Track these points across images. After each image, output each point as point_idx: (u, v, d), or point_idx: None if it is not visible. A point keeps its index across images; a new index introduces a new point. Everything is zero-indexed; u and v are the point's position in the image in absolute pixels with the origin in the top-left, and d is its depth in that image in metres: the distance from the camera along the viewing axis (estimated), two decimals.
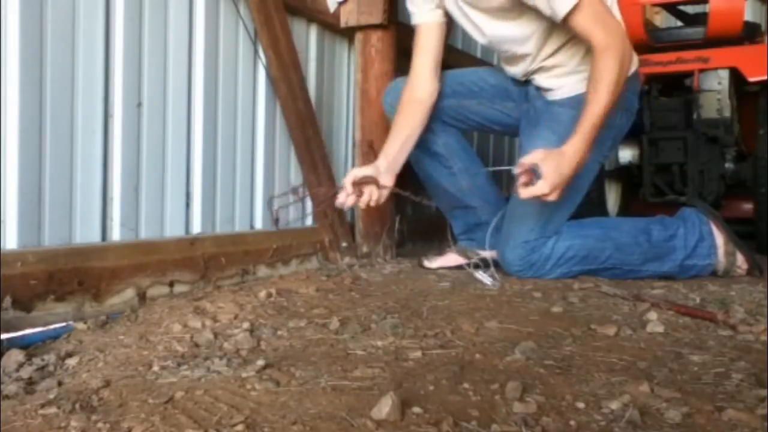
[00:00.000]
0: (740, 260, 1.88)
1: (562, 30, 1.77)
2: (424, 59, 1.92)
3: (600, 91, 1.63)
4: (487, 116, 2.05)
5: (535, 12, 1.73)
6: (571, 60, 1.81)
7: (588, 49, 1.77)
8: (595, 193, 2.56)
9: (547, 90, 1.88)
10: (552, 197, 1.58)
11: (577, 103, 1.81)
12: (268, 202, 1.90)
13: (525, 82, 1.95)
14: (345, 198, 1.68)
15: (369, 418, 0.81)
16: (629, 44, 1.68)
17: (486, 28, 1.83)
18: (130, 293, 1.49)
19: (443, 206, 2.16)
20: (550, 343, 1.15)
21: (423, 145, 1.98)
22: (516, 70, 1.92)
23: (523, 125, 1.97)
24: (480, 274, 1.74)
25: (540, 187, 1.56)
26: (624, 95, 1.83)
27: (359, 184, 1.68)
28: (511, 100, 2.00)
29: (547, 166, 1.56)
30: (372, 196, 1.71)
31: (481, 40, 1.90)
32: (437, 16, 1.91)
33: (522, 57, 1.86)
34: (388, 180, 1.76)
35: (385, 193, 1.75)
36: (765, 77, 2.38)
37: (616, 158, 2.68)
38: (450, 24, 1.95)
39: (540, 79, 1.89)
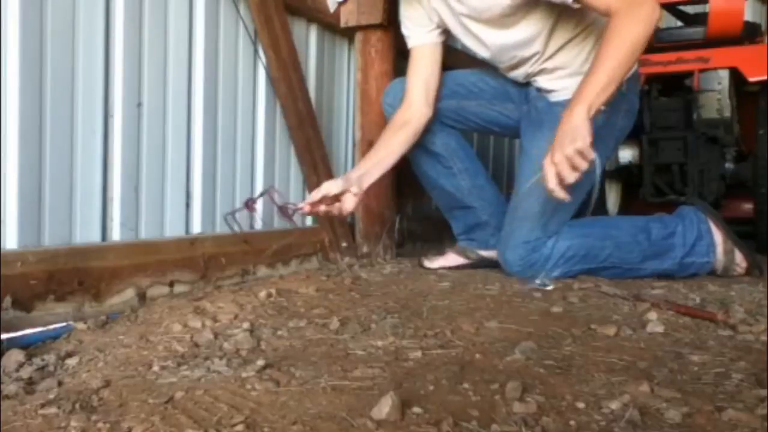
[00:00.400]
0: (739, 258, 1.89)
1: (567, 25, 1.76)
2: (416, 83, 1.92)
3: (613, 47, 1.48)
4: (486, 117, 2.04)
5: (538, 11, 1.72)
6: (575, 60, 1.81)
7: (591, 49, 1.77)
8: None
9: (550, 91, 1.88)
10: (577, 160, 1.45)
11: None
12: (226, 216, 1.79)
13: (525, 84, 1.95)
14: (305, 206, 1.67)
15: (369, 418, 0.81)
16: (656, 5, 1.53)
17: (488, 40, 1.83)
18: (130, 293, 1.49)
19: (442, 206, 2.16)
20: (550, 343, 1.15)
21: (423, 145, 1.98)
22: (517, 72, 1.92)
23: (524, 127, 1.97)
24: (532, 284, 1.67)
25: (550, 160, 1.47)
26: (626, 96, 1.84)
27: (325, 200, 1.66)
28: (511, 102, 2.00)
29: (552, 148, 1.50)
30: (341, 206, 1.68)
31: (483, 53, 1.89)
32: (433, 37, 1.92)
33: (527, 59, 1.86)
34: (356, 191, 1.70)
35: (351, 204, 1.69)
36: (765, 77, 2.38)
37: (616, 158, 2.68)
38: (446, 42, 1.96)
39: (542, 81, 1.89)
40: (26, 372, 1.02)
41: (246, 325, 1.25)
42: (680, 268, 1.86)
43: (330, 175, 2.18)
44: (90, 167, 1.48)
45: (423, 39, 1.92)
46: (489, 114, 2.03)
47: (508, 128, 2.07)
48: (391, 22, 2.19)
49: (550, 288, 1.57)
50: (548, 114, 1.88)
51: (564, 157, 1.47)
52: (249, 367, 1.01)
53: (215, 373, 0.99)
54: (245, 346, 1.13)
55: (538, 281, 1.69)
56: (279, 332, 1.23)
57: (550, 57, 1.82)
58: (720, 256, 1.87)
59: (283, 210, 1.77)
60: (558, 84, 1.86)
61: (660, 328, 1.24)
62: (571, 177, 1.47)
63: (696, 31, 2.55)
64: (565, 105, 1.83)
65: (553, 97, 1.88)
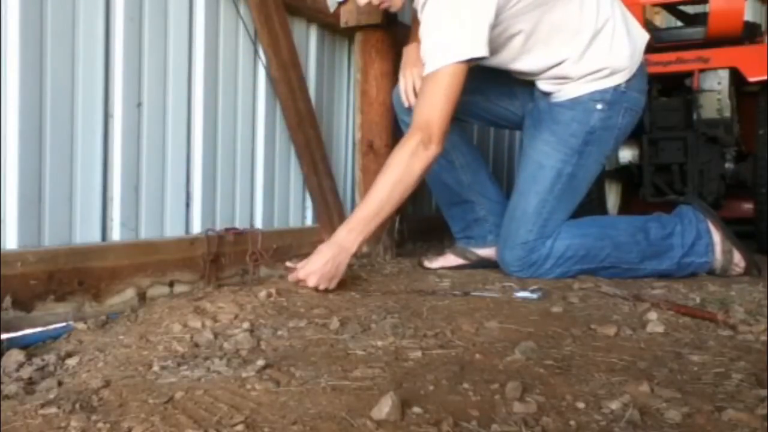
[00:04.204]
0: (737, 258, 1.89)
1: (554, 46, 1.79)
2: None
3: (378, 184, 1.61)
4: (493, 112, 2.06)
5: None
6: (573, 68, 1.82)
7: (583, 52, 1.78)
8: (595, 194, 2.56)
9: (549, 93, 1.89)
10: (309, 283, 1.55)
11: (576, 104, 1.83)
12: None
13: (531, 83, 1.95)
14: None
15: (369, 418, 0.81)
16: (440, 141, 1.62)
17: None
18: (130, 293, 1.49)
19: (442, 202, 2.16)
20: (550, 343, 1.15)
21: None
22: (522, 77, 1.94)
23: (526, 124, 1.98)
24: (522, 293, 1.65)
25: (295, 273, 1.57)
26: (626, 94, 1.84)
27: None
28: (517, 99, 2.01)
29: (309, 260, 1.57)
30: None
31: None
32: None
33: (524, 74, 1.90)
34: None
35: None
36: (765, 77, 2.38)
37: (616, 158, 2.68)
38: None
39: (542, 84, 1.90)
40: (26, 372, 1.02)
41: (246, 325, 1.25)
42: (679, 267, 1.87)
43: (330, 175, 2.18)
44: (90, 167, 1.48)
45: None
46: (495, 109, 2.05)
47: (514, 123, 2.09)
48: (391, 22, 2.19)
49: (536, 297, 1.56)
50: (548, 114, 1.89)
51: (311, 281, 1.54)
52: (249, 367, 1.01)
53: (215, 373, 0.99)
54: (245, 346, 1.13)
55: (527, 291, 1.67)
56: (279, 332, 1.23)
57: (548, 69, 1.84)
58: (718, 256, 1.88)
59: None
60: (557, 87, 1.86)
61: (660, 328, 1.24)
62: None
63: (696, 31, 2.54)
64: (562, 105, 1.85)
65: (553, 99, 1.88)
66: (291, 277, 1.58)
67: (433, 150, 1.62)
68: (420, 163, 1.61)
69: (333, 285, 1.56)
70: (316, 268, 1.54)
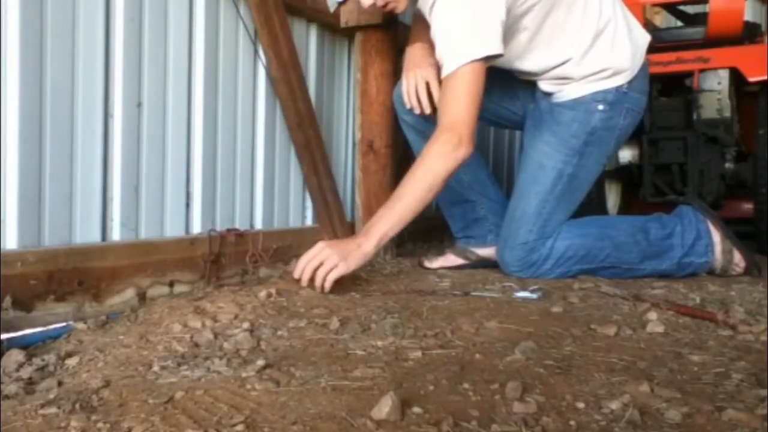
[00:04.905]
0: (737, 258, 1.89)
1: (559, 47, 1.79)
2: None
3: (407, 184, 1.60)
4: (495, 113, 2.06)
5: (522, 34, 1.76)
6: (575, 68, 1.82)
7: (585, 53, 1.78)
8: (595, 194, 2.56)
9: (551, 93, 1.89)
10: (326, 250, 1.51)
11: (578, 105, 1.83)
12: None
13: (533, 83, 1.95)
14: None
15: (369, 418, 0.81)
16: (469, 141, 1.62)
17: None
18: (130, 293, 1.49)
19: (442, 202, 2.17)
20: (550, 343, 1.15)
21: (426, 136, 1.98)
22: (524, 77, 1.94)
23: (527, 125, 1.99)
24: (522, 293, 1.64)
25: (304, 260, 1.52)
26: (628, 95, 1.84)
27: None
28: (518, 99, 2.02)
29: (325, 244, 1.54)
30: None
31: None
32: None
33: (526, 74, 1.90)
34: None
35: None
36: (765, 77, 2.38)
37: (616, 158, 2.68)
38: None
39: (543, 85, 1.90)
40: (26, 372, 1.02)
41: (246, 325, 1.25)
42: (679, 268, 1.87)
43: (330, 175, 2.18)
44: (90, 167, 1.48)
45: None
46: (497, 109, 2.05)
47: (515, 123, 2.10)
48: (391, 22, 2.19)
49: (536, 297, 1.55)
50: (549, 114, 1.89)
51: (328, 267, 1.51)
52: (249, 367, 1.01)
53: (215, 373, 0.99)
54: (245, 346, 1.13)
55: (527, 291, 1.67)
56: (279, 332, 1.23)
57: (551, 69, 1.84)
58: (718, 256, 1.88)
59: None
60: (558, 87, 1.86)
61: (660, 328, 1.24)
62: (317, 281, 1.51)
63: (696, 31, 2.55)
64: (564, 105, 1.85)
65: (555, 99, 1.88)
66: (298, 267, 1.53)
67: (463, 151, 1.62)
68: (449, 164, 1.61)
69: (350, 265, 1.52)
70: (336, 241, 1.54)
